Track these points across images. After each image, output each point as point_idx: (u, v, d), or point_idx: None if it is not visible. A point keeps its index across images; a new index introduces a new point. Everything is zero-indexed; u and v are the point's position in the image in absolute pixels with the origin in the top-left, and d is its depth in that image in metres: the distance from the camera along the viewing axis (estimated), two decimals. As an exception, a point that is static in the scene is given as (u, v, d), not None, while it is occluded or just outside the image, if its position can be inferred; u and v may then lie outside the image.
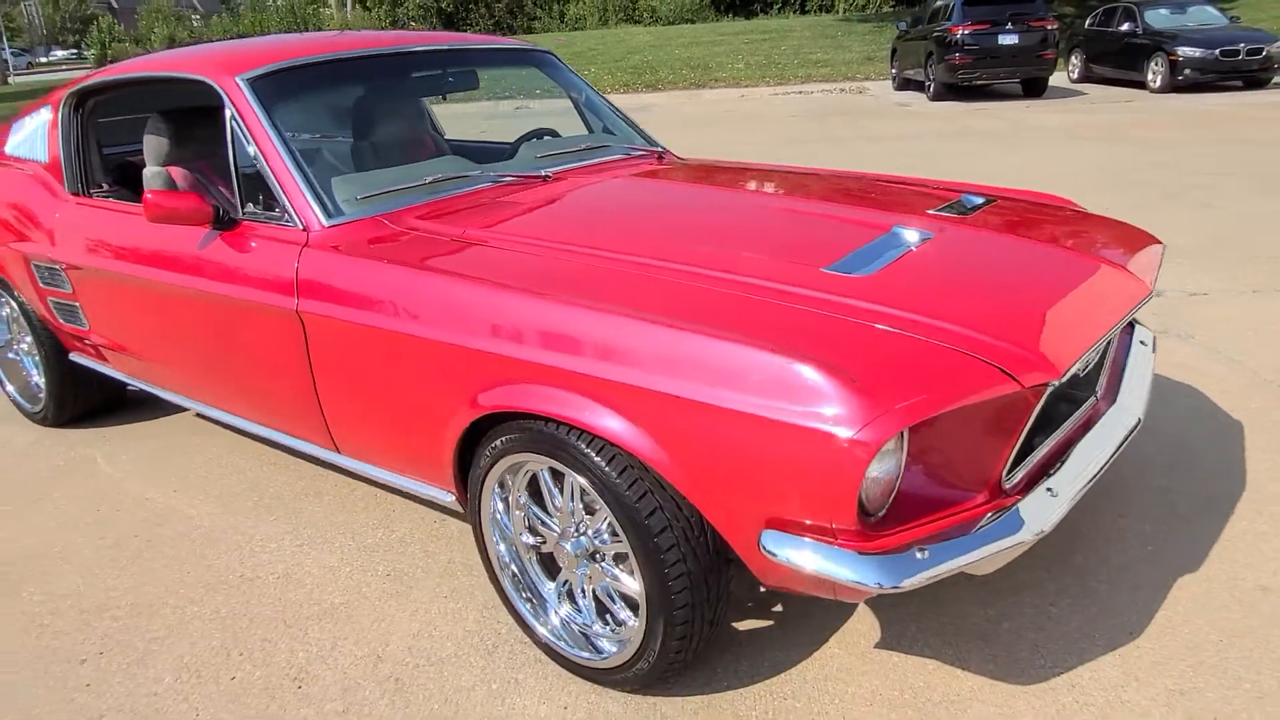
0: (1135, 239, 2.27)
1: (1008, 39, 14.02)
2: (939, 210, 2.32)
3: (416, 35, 3.09)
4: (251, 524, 2.76)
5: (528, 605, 2.09)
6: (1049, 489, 1.71)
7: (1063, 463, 1.81)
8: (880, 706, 1.88)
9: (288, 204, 2.32)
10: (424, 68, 2.99)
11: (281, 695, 2.03)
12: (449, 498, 2.19)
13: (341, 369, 2.19)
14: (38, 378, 3.58)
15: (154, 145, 3.02)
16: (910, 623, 2.13)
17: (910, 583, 1.51)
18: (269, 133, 2.42)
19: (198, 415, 3.59)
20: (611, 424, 1.68)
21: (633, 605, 1.92)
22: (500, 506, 2.05)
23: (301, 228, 2.29)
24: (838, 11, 30.50)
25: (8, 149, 3.33)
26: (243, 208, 2.45)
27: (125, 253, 2.71)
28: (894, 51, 17.65)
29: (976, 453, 1.64)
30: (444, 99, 2.88)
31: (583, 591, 2.01)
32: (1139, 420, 2.02)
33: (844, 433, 1.45)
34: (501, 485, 2.02)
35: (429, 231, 2.28)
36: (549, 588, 2.08)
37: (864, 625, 2.14)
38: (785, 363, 1.51)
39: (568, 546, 1.95)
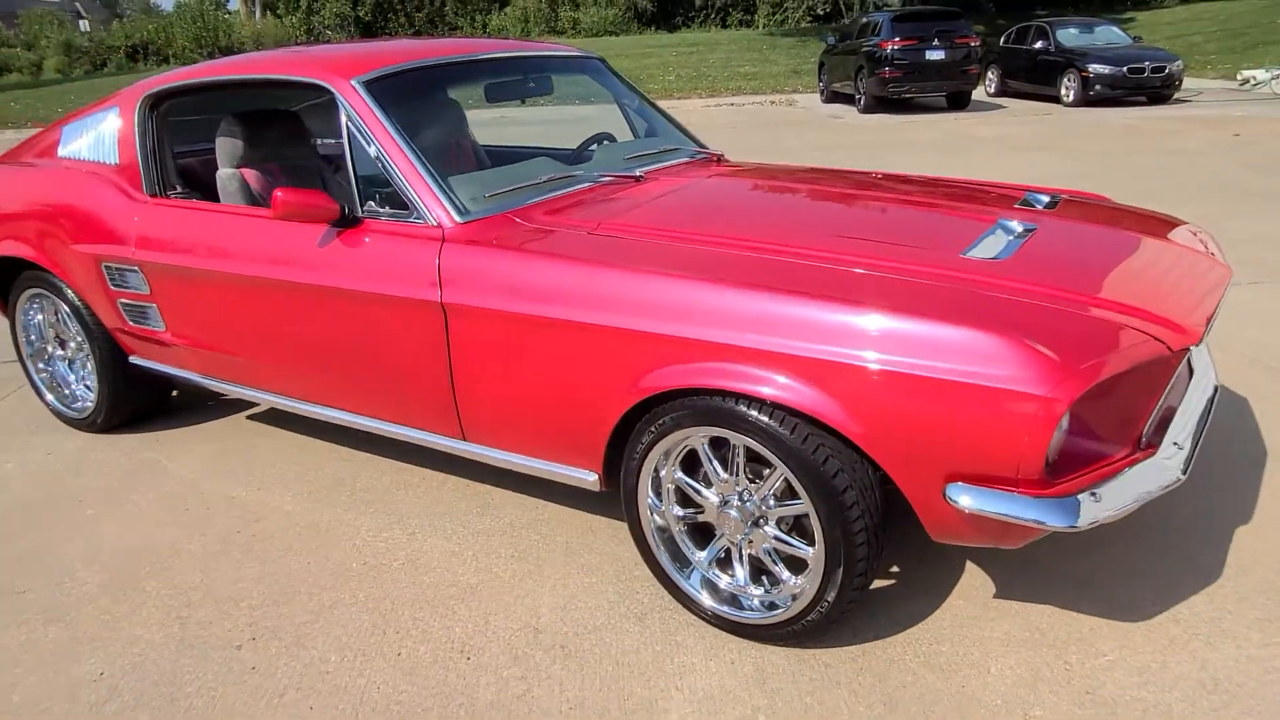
0: (1192, 229, 2.56)
1: (934, 54, 14.72)
2: (1020, 205, 2.57)
3: (494, 42, 3.21)
4: (353, 517, 2.83)
5: (683, 574, 2.23)
6: (1175, 443, 1.95)
7: (1170, 422, 2.06)
8: (1016, 645, 2.10)
9: (419, 202, 2.42)
10: (508, 73, 3.10)
11: (454, 666, 2.12)
12: (591, 477, 2.32)
13: (485, 357, 2.30)
14: (76, 384, 3.54)
15: (228, 148, 3.07)
16: (1016, 577, 2.36)
17: (1087, 523, 1.72)
18: (391, 134, 2.51)
19: (249, 417, 3.61)
20: (804, 396, 1.85)
21: (793, 563, 2.09)
22: (655, 482, 2.20)
23: (435, 224, 2.39)
24: (758, 26, 31.32)
25: (63, 152, 3.30)
26: (362, 206, 2.53)
27: (223, 251, 2.74)
28: (822, 65, 18.29)
29: (1126, 410, 1.87)
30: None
31: (740, 556, 2.17)
32: (1216, 386, 2.29)
33: (1039, 392, 1.66)
34: (657, 462, 2.16)
35: (562, 226, 2.41)
36: (700, 556, 2.23)
37: (977, 580, 2.36)
38: (978, 334, 1.72)
39: (732, 513, 2.11)
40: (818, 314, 1.85)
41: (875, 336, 1.79)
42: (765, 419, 1.92)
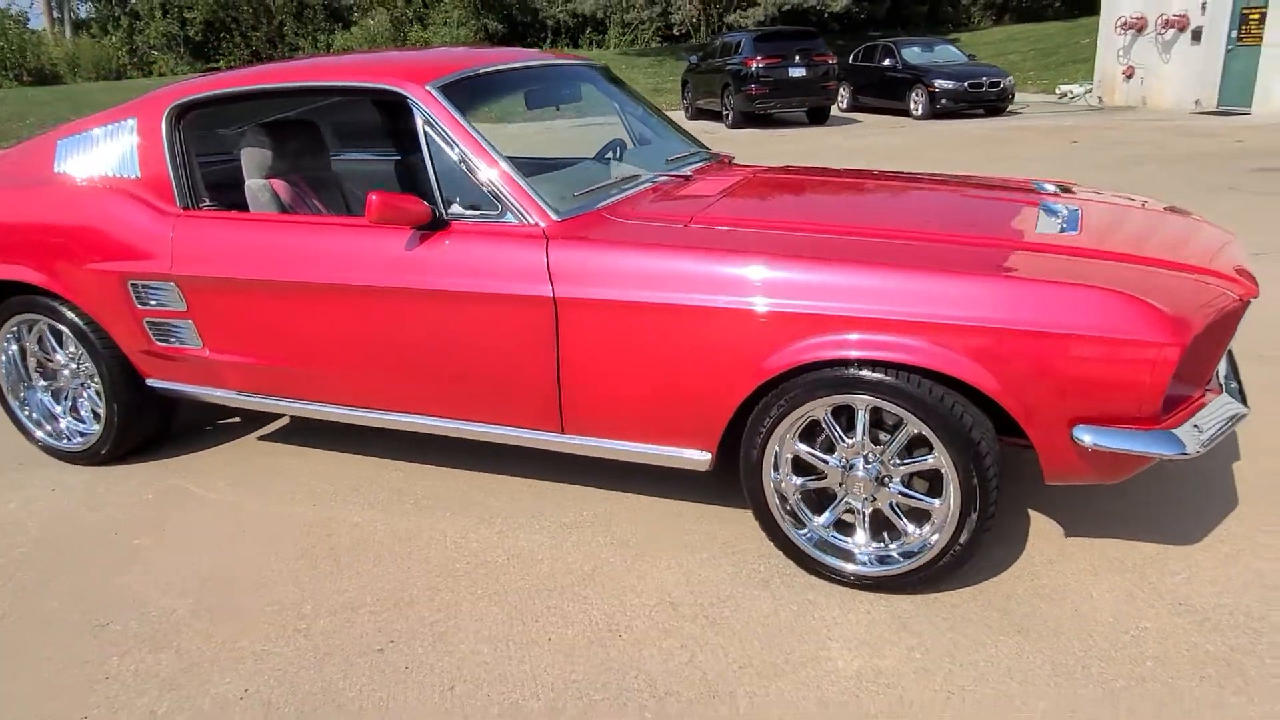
0: (1173, 205, 2.95)
1: (796, 71, 15.53)
2: (1037, 193, 2.89)
3: (528, 51, 3.28)
4: (431, 522, 2.82)
5: (805, 538, 2.39)
6: (1234, 385, 2.29)
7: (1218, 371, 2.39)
8: (1102, 574, 2.38)
9: (515, 202, 2.48)
10: (552, 80, 3.18)
11: (611, 642, 2.20)
12: (703, 457, 2.45)
13: (599, 348, 2.38)
14: (65, 415, 3.33)
15: (256, 158, 3.02)
16: (1076, 522, 2.65)
17: (1195, 451, 2.01)
18: (475, 136, 2.56)
19: (260, 438, 3.49)
20: (941, 359, 2.06)
21: (916, 515, 2.30)
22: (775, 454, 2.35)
23: (534, 223, 2.46)
24: (609, 46, 31.90)
25: (61, 168, 3.11)
26: (446, 209, 2.56)
27: (287, 260, 2.69)
28: (685, 83, 18.90)
29: (1205, 356, 2.17)
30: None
31: (862, 515, 2.35)
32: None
33: (1159, 340, 1.93)
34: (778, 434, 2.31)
35: (655, 220, 2.53)
36: (818, 520, 2.40)
37: (1043, 527, 2.63)
38: (1099, 293, 1.98)
39: (859, 474, 2.29)
40: (950, 285, 2.07)
41: (1003, 302, 2.03)
42: (904, 383, 2.11)
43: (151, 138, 2.94)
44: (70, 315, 3.10)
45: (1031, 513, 2.70)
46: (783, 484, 2.38)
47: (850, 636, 2.18)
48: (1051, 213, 2.59)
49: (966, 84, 15.58)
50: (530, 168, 3.03)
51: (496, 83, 2.90)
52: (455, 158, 2.56)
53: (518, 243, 2.45)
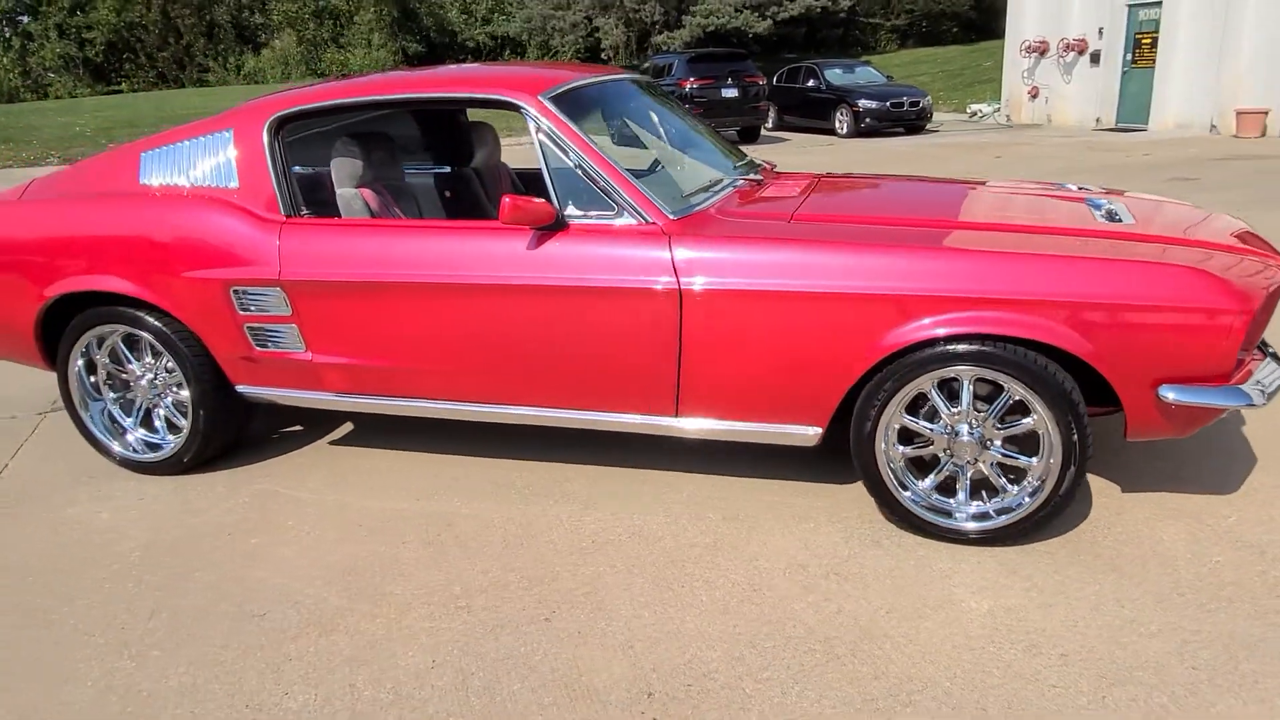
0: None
1: (729, 92, 16.04)
2: (1070, 191, 3.25)
3: (594, 67, 3.48)
4: (542, 509, 2.98)
5: (912, 501, 2.65)
6: (1271, 351, 2.66)
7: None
8: (1165, 520, 2.71)
9: (633, 204, 2.69)
10: (627, 95, 3.39)
11: (759, 600, 2.41)
12: (813, 432, 2.69)
13: (719, 335, 2.61)
14: (135, 427, 3.35)
15: (347, 168, 3.15)
16: (1129, 480, 2.99)
17: (1262, 402, 2.35)
18: (589, 143, 2.77)
19: (332, 442, 3.58)
20: (1048, 332, 2.35)
21: (1013, 473, 2.59)
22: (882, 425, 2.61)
23: (652, 222, 2.67)
24: (527, 68, 32.06)
25: (146, 180, 3.16)
26: (562, 210, 2.75)
27: (407, 263, 2.81)
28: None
29: (1259, 323, 2.53)
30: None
31: (964, 477, 2.63)
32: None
33: (1234, 308, 2.27)
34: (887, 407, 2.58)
35: (759, 218, 2.78)
36: (922, 485, 2.66)
37: (1099, 485, 2.96)
38: (1179, 270, 2.31)
39: (964, 438, 2.56)
40: (1049, 267, 2.37)
41: (1098, 279, 2.34)
42: (1011, 354, 2.40)
43: (251, 148, 3.03)
44: (157, 324, 3.14)
45: (1089, 476, 3.03)
46: (890, 453, 2.64)
47: (970, 582, 2.45)
48: (1097, 206, 2.93)
49: (889, 103, 16.35)
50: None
51: (592, 95, 3.10)
52: (570, 163, 2.76)
53: (640, 240, 2.65)
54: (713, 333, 2.62)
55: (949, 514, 2.64)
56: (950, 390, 2.57)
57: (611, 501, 3.00)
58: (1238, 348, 2.31)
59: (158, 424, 3.39)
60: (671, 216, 2.69)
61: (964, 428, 2.57)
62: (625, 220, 2.70)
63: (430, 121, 4.00)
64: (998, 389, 2.52)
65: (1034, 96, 18.01)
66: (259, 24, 33.18)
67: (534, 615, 2.40)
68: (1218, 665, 2.08)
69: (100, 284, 3.12)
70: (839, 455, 3.09)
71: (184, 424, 3.31)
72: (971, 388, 2.52)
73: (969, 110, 19.81)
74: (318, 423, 3.78)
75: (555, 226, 2.72)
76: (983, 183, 3.40)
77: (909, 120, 16.63)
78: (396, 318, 2.88)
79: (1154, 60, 15.19)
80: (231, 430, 3.36)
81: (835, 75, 17.78)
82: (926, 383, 2.53)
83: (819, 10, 23.62)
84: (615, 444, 3.37)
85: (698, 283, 2.58)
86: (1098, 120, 16.41)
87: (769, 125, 18.97)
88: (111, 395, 3.41)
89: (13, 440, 3.75)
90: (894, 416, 2.60)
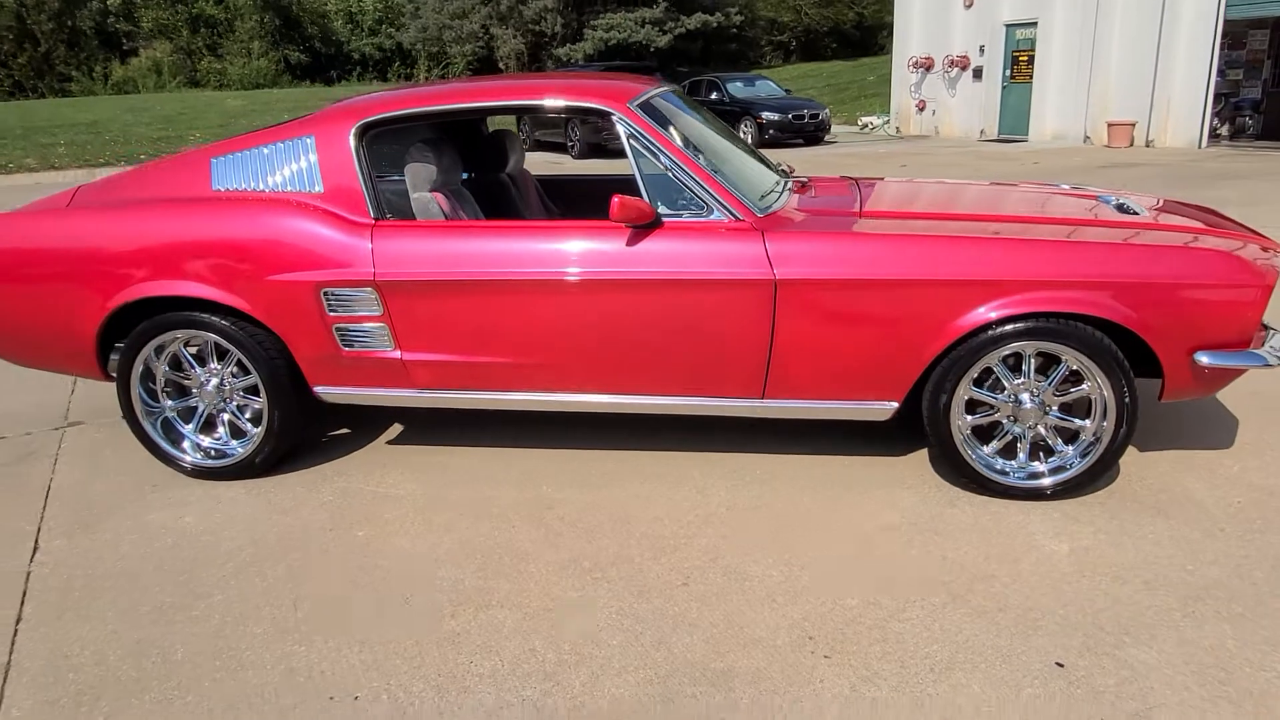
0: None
1: (640, 104, 16.39)
2: (1072, 190, 3.68)
3: (646, 77, 3.69)
4: (634, 490, 3.16)
5: (980, 464, 2.98)
6: (1270, 329, 3.12)
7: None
8: (1183, 472, 3.13)
9: (724, 203, 2.93)
10: (677, 104, 3.62)
11: (874, 553, 2.68)
12: (891, 407, 2.99)
13: (809, 320, 2.87)
14: (193, 434, 3.35)
15: (422, 173, 3.28)
16: (1142, 445, 3.41)
17: (1275, 362, 2.79)
18: (679, 147, 2.99)
19: (389, 442, 3.66)
20: (1106, 308, 2.72)
21: (1067, 434, 2.95)
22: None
23: (743, 219, 2.92)
24: (418, 79, 31.72)
25: (221, 185, 3.19)
26: (656, 209, 2.96)
27: (505, 261, 2.95)
28: (520, 118, 19.36)
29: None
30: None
31: (1024, 441, 2.97)
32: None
33: (1258, 283, 2.70)
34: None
35: (835, 214, 3.07)
36: (985, 450, 3.00)
37: (1117, 445, 3.37)
38: (1213, 254, 2.73)
39: (1027, 405, 2.91)
40: (1106, 252, 2.75)
41: (1143, 262, 2.73)
42: (1072, 329, 2.76)
43: (336, 153, 3.11)
44: (233, 328, 3.16)
45: (1102, 438, 3.43)
46: (958, 422, 2.96)
47: (1045, 530, 2.79)
48: (1106, 203, 3.36)
49: (790, 115, 17.09)
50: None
51: (663, 104, 3.31)
52: (661, 165, 2.97)
53: (733, 236, 2.89)
54: (803, 319, 2.88)
55: (1006, 473, 2.99)
56: (1010, 364, 2.91)
57: (693, 482, 3.21)
58: (1259, 318, 2.74)
59: (220, 430, 3.40)
60: (759, 214, 2.94)
61: (1026, 396, 2.92)
62: (716, 217, 2.93)
63: (472, 130, 4.11)
64: (1049, 361, 2.87)
65: (921, 109, 19.15)
66: (126, 31, 31.56)
67: (670, 581, 2.59)
68: (1273, 579, 2.47)
69: (174, 289, 3.13)
70: (878, 430, 3.41)
71: (250, 428, 3.34)
72: (1033, 361, 2.87)
73: (860, 122, 20.86)
74: (367, 424, 3.84)
75: (652, 225, 2.93)
76: (997, 183, 3.79)
77: (809, 132, 17.42)
78: (496, 313, 3.01)
79: (1031, 76, 16.46)
80: (299, 432, 3.40)
81: (737, 88, 18.43)
82: (995, 358, 2.87)
83: (714, 26, 24.40)
84: (664, 429, 3.59)
85: (791, 274, 2.84)
86: (982, 132, 17.61)
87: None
88: (170, 403, 3.39)
89: (43, 457, 3.66)
90: (965, 389, 2.92)
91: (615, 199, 2.79)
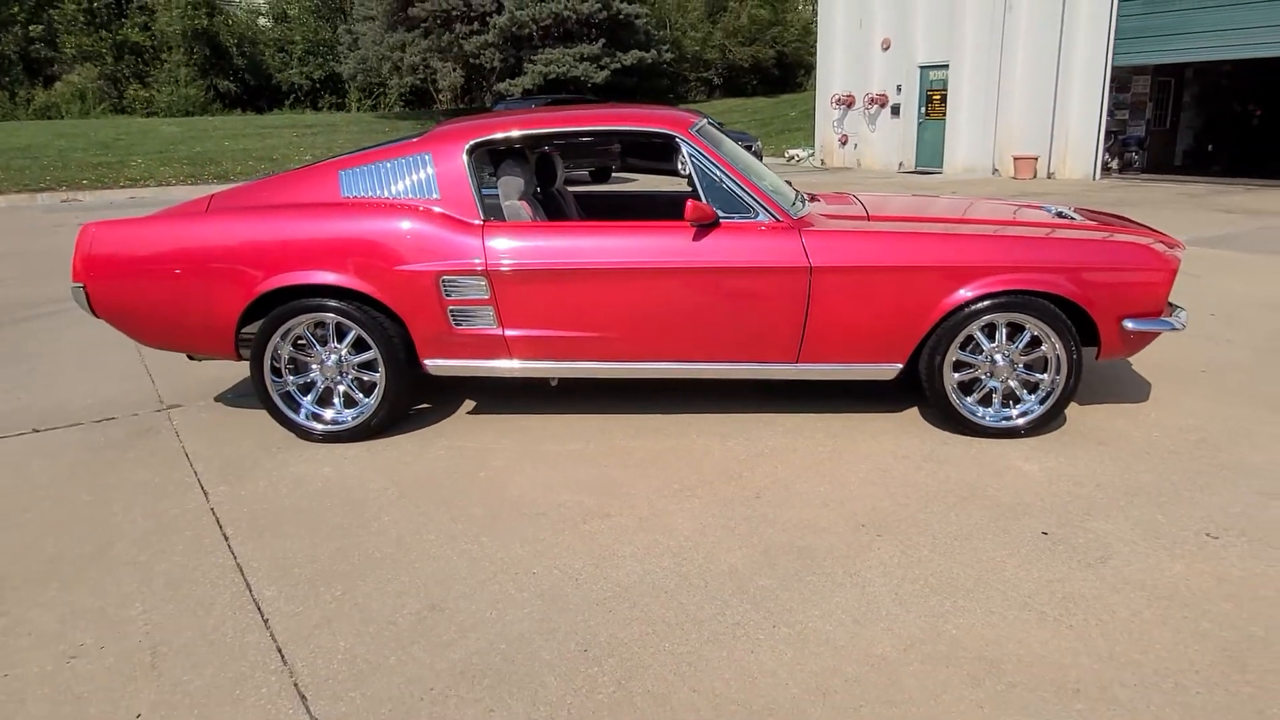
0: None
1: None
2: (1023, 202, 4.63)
3: (692, 111, 4.50)
4: (688, 442, 3.91)
5: (966, 411, 3.84)
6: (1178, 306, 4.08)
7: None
8: (1113, 418, 4.05)
9: (767, 207, 3.75)
10: (715, 131, 4.42)
11: (888, 477, 3.49)
12: (896, 369, 3.83)
13: (838, 299, 3.69)
14: (310, 404, 3.97)
15: (514, 185, 4.02)
16: (1076, 402, 4.34)
17: (1182, 326, 3.73)
18: (730, 163, 3.80)
19: (469, 413, 4.33)
20: (1063, 287, 3.62)
21: (1029, 387, 3.84)
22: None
23: (781, 220, 3.74)
24: (350, 109, 32.01)
25: (350, 193, 3.85)
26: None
27: (596, 253, 3.70)
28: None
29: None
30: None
31: (998, 392, 3.85)
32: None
33: (1168, 268, 3.65)
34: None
35: (850, 218, 3.92)
36: (968, 400, 3.86)
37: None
38: (1138, 246, 3.67)
39: (1000, 363, 3.78)
40: (1058, 245, 3.66)
41: (1088, 251, 3.65)
42: (1035, 302, 3.65)
43: (451, 167, 3.81)
44: (359, 311, 3.81)
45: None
46: (949, 378, 3.82)
47: (1017, 455, 3.66)
48: (1048, 210, 4.30)
49: (727, 148, 18.16)
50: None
51: (709, 130, 4.10)
52: (716, 177, 3.77)
53: (776, 233, 3.70)
54: (831, 298, 3.70)
55: (986, 419, 3.85)
56: (985, 333, 3.78)
57: (740, 434, 3.98)
58: (1168, 294, 3.68)
59: (336, 400, 4.02)
60: (794, 217, 3.77)
61: (999, 357, 3.80)
62: (761, 219, 3.74)
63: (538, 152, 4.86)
64: (1014, 330, 3.76)
65: (844, 143, 20.54)
66: (49, 57, 31.01)
67: (745, 496, 3.35)
68: (1187, 481, 3.38)
69: (312, 278, 3.77)
70: (858, 393, 4.25)
71: (362, 398, 3.98)
72: (1005, 329, 3.75)
73: (787, 155, 22.17)
74: (447, 399, 4.50)
75: (713, 224, 3.72)
76: (967, 197, 4.72)
77: (744, 163, 18.52)
78: (583, 296, 3.75)
79: (945, 113, 17.95)
80: (409, 400, 4.05)
81: (675, 121, 19.44)
82: (976, 327, 3.74)
83: (649, 62, 25.56)
84: (698, 397, 4.36)
85: (824, 262, 3.66)
86: (900, 164, 19.04)
87: (615, 167, 20.42)
88: (292, 378, 4.00)
89: (164, 432, 4.20)
90: (954, 352, 3.78)
91: (689, 203, 3.58)
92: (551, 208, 4.67)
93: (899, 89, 18.92)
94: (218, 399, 4.64)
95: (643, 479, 3.54)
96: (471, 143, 3.85)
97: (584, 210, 5.19)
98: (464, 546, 3.03)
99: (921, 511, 3.20)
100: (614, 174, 18.85)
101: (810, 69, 34.97)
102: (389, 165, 3.87)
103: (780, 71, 34.67)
